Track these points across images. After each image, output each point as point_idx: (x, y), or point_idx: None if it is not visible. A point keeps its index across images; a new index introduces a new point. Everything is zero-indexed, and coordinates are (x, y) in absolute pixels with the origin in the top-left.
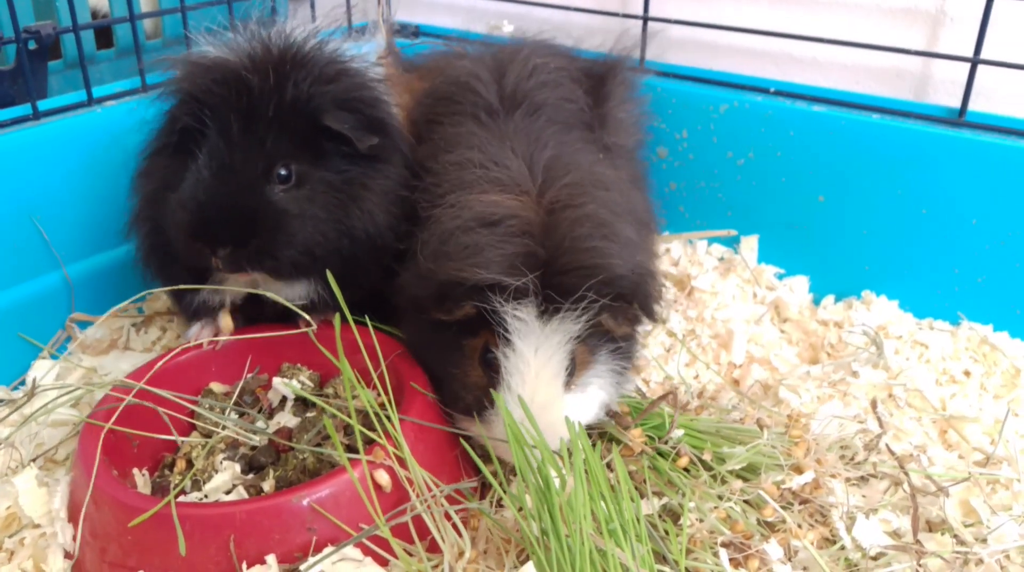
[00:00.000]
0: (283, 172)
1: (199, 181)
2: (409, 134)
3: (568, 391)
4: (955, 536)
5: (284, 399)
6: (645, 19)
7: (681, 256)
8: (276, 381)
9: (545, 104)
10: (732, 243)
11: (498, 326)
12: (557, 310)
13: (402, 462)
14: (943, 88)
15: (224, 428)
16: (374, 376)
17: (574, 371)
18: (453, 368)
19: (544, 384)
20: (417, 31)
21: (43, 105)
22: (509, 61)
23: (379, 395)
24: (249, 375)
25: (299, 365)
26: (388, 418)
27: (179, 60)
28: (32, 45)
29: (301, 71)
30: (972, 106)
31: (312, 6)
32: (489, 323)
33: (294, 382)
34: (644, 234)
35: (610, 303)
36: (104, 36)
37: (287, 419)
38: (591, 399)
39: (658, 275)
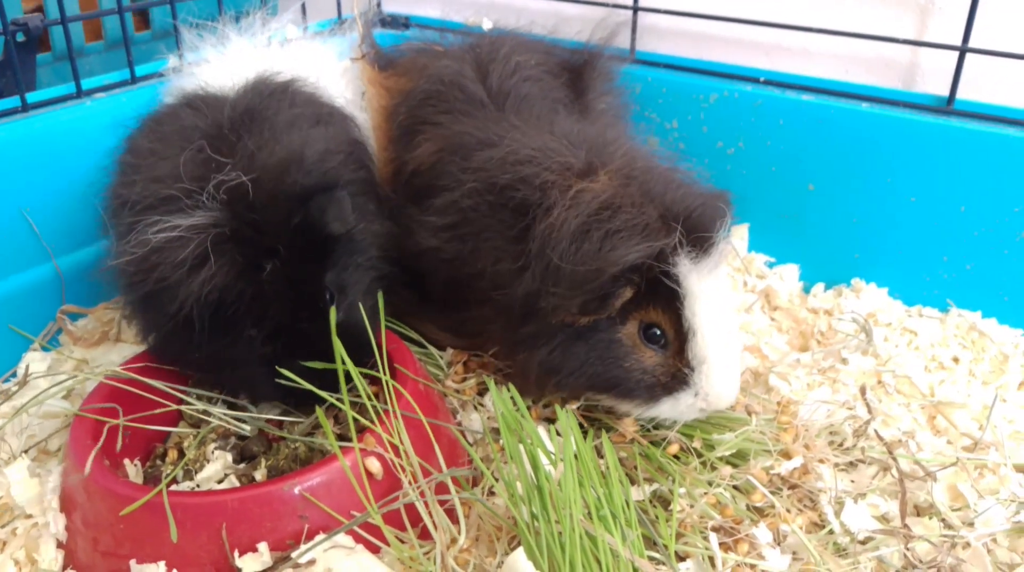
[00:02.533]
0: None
1: None
2: (387, 133)
3: None
4: (943, 520)
5: None
6: (635, 9)
7: None
8: None
9: (531, 99)
10: None
11: (659, 297)
12: (706, 252)
13: (394, 450)
14: (931, 77)
15: (213, 418)
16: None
17: None
18: (623, 362)
19: (731, 320)
20: (407, 22)
21: (32, 97)
22: (490, 60)
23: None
24: None
25: None
26: (380, 406)
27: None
28: (20, 37)
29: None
30: (960, 94)
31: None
32: (637, 303)
33: None
34: None
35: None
36: (93, 29)
37: (271, 408)
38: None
39: None
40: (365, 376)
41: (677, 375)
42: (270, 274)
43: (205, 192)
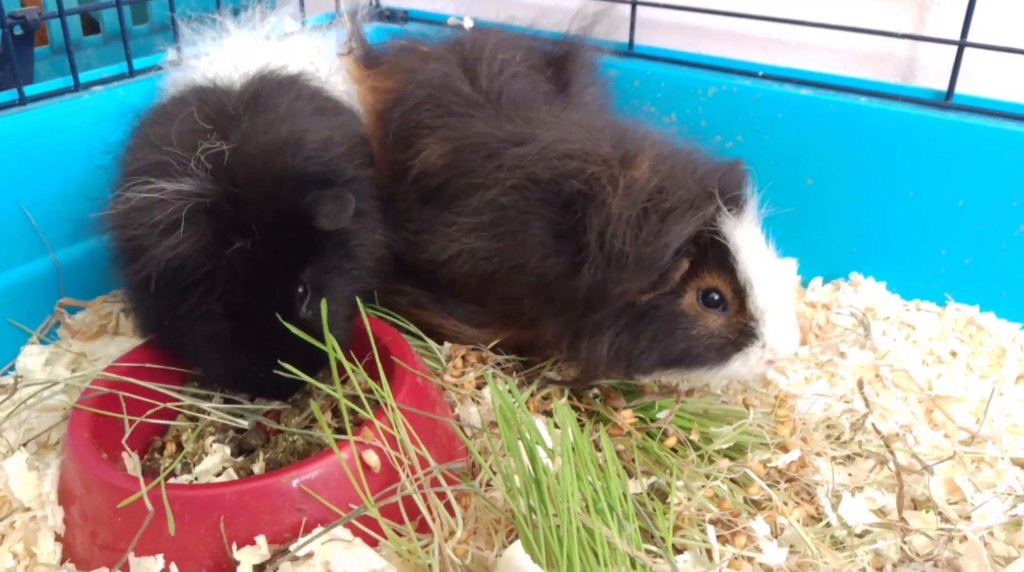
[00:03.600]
0: (300, 290)
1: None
2: (379, 137)
3: None
4: (940, 514)
5: None
6: (634, 3)
7: None
8: None
9: (524, 96)
10: None
11: (711, 262)
12: (742, 209)
13: (392, 443)
14: (930, 71)
15: (209, 412)
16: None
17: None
18: (690, 331)
19: (777, 270)
20: (406, 16)
21: (30, 91)
22: (475, 59)
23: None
24: None
25: None
26: (379, 399)
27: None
28: (18, 31)
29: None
30: (959, 89)
31: None
32: (692, 273)
33: None
34: None
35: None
36: (91, 22)
37: (267, 401)
38: None
39: None
40: (363, 369)
41: (744, 330)
42: (236, 252)
43: (193, 159)
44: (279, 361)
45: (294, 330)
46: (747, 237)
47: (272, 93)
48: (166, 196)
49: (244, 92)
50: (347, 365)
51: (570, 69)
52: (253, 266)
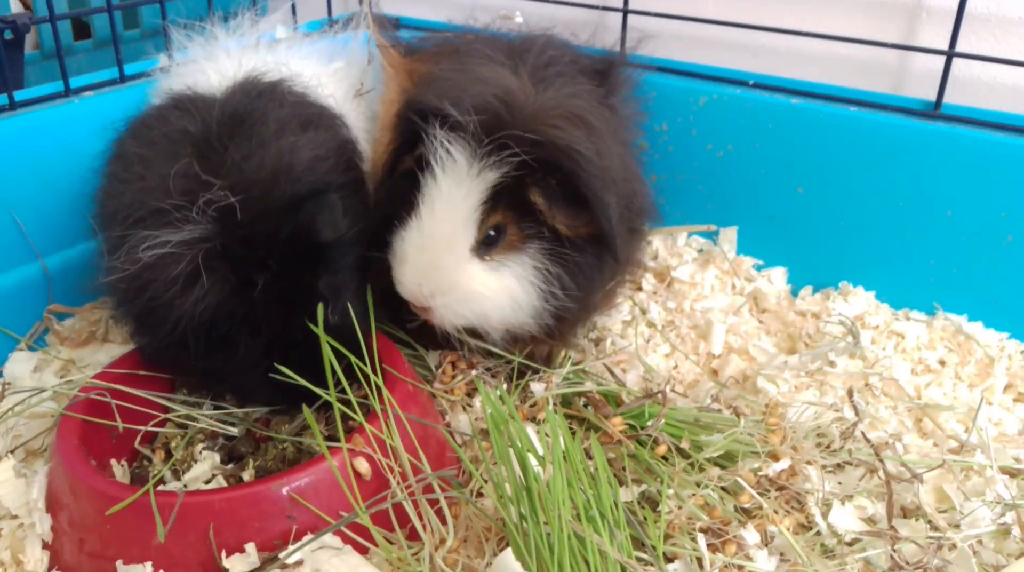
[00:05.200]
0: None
1: None
2: None
3: (480, 259)
4: (929, 522)
5: None
6: (625, 12)
7: (660, 248)
8: None
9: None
10: (711, 235)
11: (429, 156)
12: (487, 155)
13: (383, 450)
14: (919, 81)
15: (199, 419)
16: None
17: (496, 243)
18: (406, 214)
19: (453, 222)
20: (397, 23)
21: (20, 95)
22: (524, 50)
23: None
24: None
25: None
26: (370, 407)
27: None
28: (8, 35)
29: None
30: (947, 99)
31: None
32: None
33: None
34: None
35: (543, 175)
36: (82, 27)
37: (257, 408)
38: (502, 281)
39: (640, 201)
40: (354, 378)
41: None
42: (263, 289)
43: (195, 207)
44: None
45: (333, 344)
46: (447, 184)
47: (254, 107)
48: (175, 248)
49: (226, 106)
50: (357, 370)
51: (612, 80)
52: (282, 296)
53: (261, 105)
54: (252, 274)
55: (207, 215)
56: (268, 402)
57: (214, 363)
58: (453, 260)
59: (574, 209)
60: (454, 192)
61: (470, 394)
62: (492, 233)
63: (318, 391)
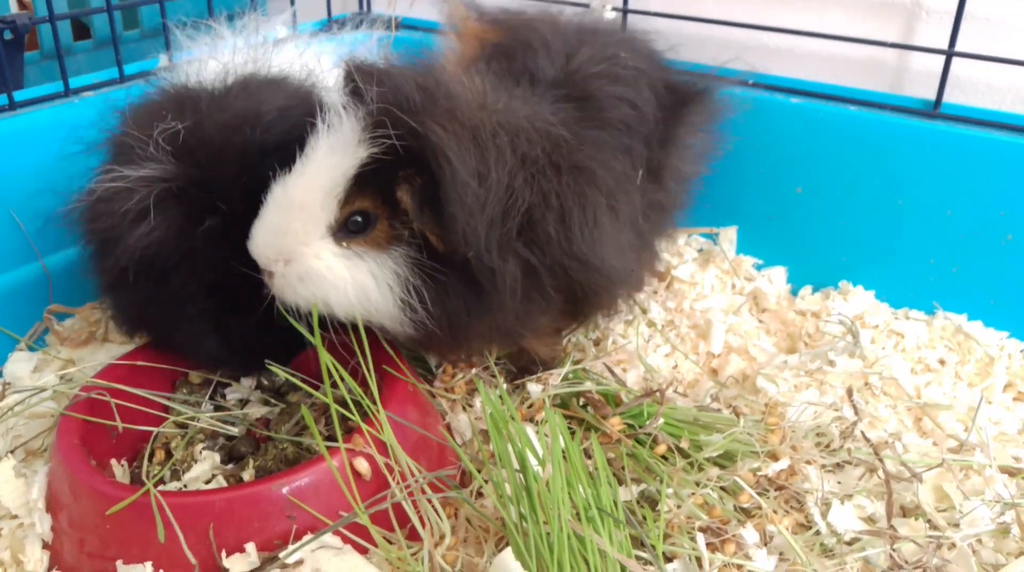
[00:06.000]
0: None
1: None
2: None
3: (337, 242)
4: (928, 521)
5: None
6: (625, 11)
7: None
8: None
9: (596, 96)
10: (711, 235)
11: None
12: (371, 130)
13: (382, 450)
14: (919, 80)
15: (199, 419)
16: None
17: (361, 233)
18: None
19: (317, 189)
20: (398, 23)
21: (19, 96)
22: (582, 42)
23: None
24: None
25: None
26: (369, 406)
27: None
28: (8, 35)
29: None
30: (947, 98)
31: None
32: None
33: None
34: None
35: (413, 173)
36: (82, 27)
37: (255, 409)
38: (354, 274)
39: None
40: (353, 376)
41: None
42: (207, 231)
43: (152, 141)
44: (263, 332)
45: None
46: (321, 148)
47: (253, 92)
48: (131, 183)
49: (218, 92)
50: (325, 365)
51: (691, 109)
52: (227, 242)
53: (260, 93)
54: (203, 216)
55: (168, 154)
56: (213, 359)
57: (160, 306)
58: (304, 229)
59: (429, 209)
60: (327, 158)
61: (471, 393)
62: (359, 220)
63: (302, 385)
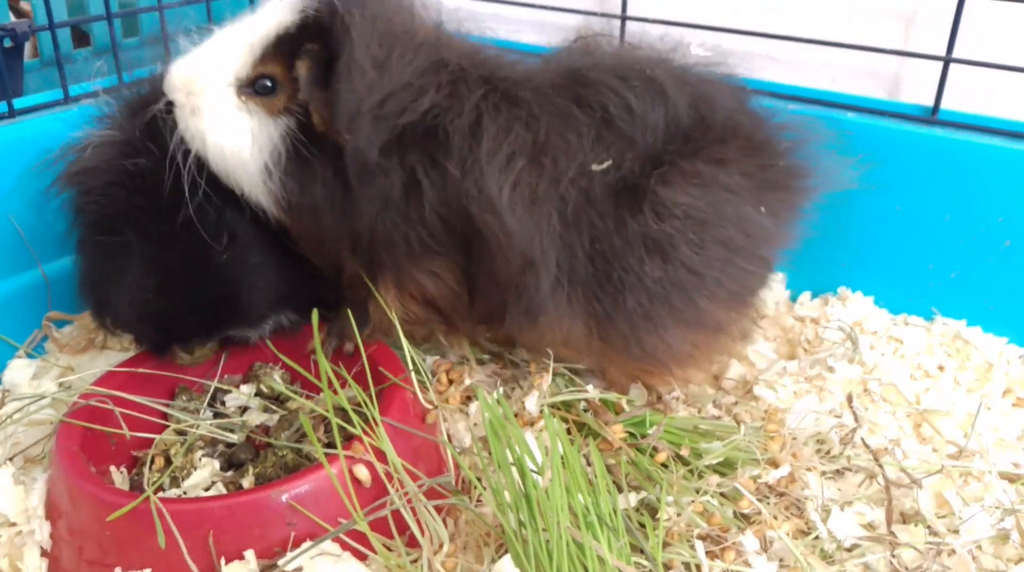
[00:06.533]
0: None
1: None
2: None
3: (238, 95)
4: (928, 527)
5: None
6: (623, 19)
7: None
8: (244, 388)
9: (588, 80)
10: None
11: None
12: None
13: (381, 457)
14: (916, 86)
15: (198, 426)
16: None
17: (263, 95)
18: None
19: (243, 42)
20: None
21: (19, 103)
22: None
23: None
24: (226, 376)
25: (270, 364)
26: (368, 414)
27: None
28: (8, 43)
29: None
30: (945, 104)
31: None
32: None
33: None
34: None
35: (317, 46)
36: (81, 35)
37: (255, 416)
38: (239, 124)
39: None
40: (351, 381)
41: None
42: (141, 167)
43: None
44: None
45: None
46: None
47: None
48: (95, 146)
49: None
50: (334, 378)
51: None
52: (173, 208)
53: None
54: (148, 177)
55: (130, 120)
56: (137, 336)
57: (98, 275)
58: (214, 72)
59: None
60: (259, 19)
61: (465, 401)
62: (268, 84)
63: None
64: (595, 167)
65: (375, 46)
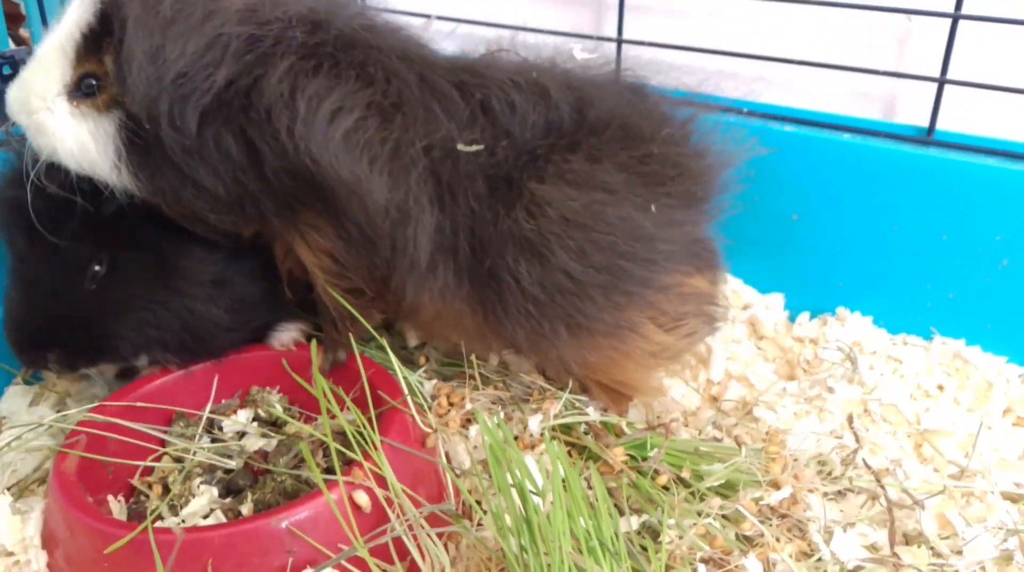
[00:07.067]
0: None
1: None
2: None
3: (69, 100)
4: (931, 548)
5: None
6: (619, 42)
7: None
8: (241, 413)
9: (477, 69)
10: None
11: None
12: None
13: (381, 482)
14: (912, 108)
15: (196, 453)
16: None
17: (91, 96)
18: None
19: (53, 47)
20: None
21: (17, 130)
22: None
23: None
24: (224, 400)
25: (268, 388)
26: (367, 438)
27: None
28: (7, 71)
29: None
30: (940, 125)
31: None
32: None
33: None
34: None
35: (117, 40)
36: None
37: (253, 441)
38: (78, 129)
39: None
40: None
41: None
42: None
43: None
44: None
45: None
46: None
47: None
48: None
49: None
50: (332, 404)
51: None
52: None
53: None
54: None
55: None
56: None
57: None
58: (43, 86)
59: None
60: (66, 23)
61: (465, 424)
62: (92, 83)
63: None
64: (461, 147)
65: (150, 32)
